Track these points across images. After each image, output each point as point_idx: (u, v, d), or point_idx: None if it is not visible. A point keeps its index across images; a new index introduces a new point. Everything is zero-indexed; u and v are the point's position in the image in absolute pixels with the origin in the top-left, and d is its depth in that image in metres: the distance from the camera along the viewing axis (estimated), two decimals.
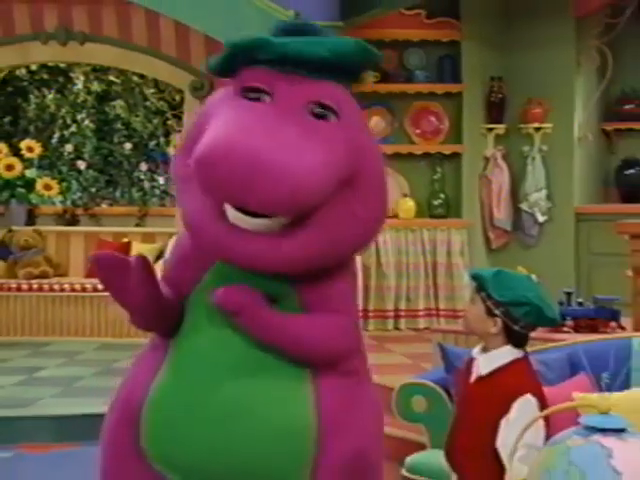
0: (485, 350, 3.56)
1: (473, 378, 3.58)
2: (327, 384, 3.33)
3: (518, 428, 3.29)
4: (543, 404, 3.43)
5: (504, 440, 3.37)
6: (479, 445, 3.44)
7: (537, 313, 3.47)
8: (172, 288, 3.37)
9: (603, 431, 2.79)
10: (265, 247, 3.12)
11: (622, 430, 2.79)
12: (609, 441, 2.76)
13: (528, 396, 3.42)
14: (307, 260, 3.20)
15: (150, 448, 3.34)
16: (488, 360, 3.53)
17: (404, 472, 4.90)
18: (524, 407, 3.40)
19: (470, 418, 3.55)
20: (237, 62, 3.22)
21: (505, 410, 3.40)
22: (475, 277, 3.58)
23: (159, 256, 9.10)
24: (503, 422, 3.39)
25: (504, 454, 3.36)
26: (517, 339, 3.51)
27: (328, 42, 3.22)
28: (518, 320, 3.46)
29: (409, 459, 4.92)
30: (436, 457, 4.46)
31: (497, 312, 3.46)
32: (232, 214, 3.06)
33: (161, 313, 3.40)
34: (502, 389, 3.46)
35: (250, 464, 3.29)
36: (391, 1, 7.71)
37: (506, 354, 3.52)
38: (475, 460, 3.48)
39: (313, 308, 3.32)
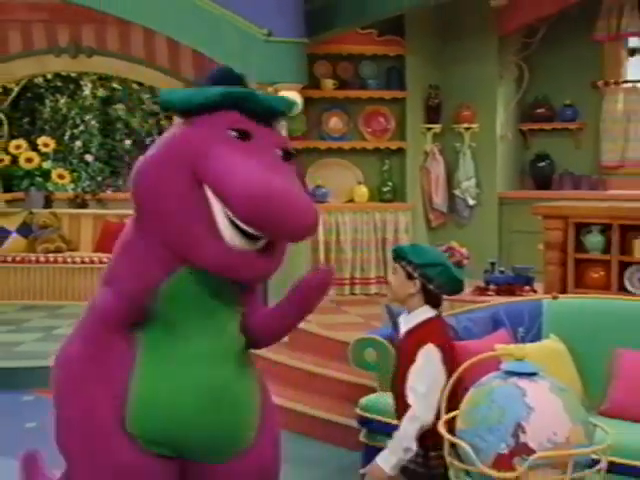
0: (409, 310, 3.61)
1: (400, 335, 3.65)
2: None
3: (420, 372, 3.40)
4: (447, 355, 3.48)
5: (409, 383, 3.44)
6: (404, 389, 3.48)
7: (447, 273, 3.54)
8: (141, 282, 3.18)
9: (519, 375, 2.83)
10: (270, 264, 3.13)
11: (534, 374, 2.83)
12: (524, 383, 2.80)
13: (430, 345, 3.45)
14: (278, 268, 3.23)
15: (142, 432, 3.22)
16: (408, 319, 3.59)
17: (358, 411, 4.94)
18: (426, 355, 3.44)
19: (399, 368, 3.59)
20: (217, 105, 3.11)
21: (414, 357, 3.46)
22: (396, 250, 3.65)
23: None
24: (412, 368, 3.45)
25: (410, 395, 3.42)
26: (433, 299, 3.56)
27: (285, 100, 3.28)
28: (433, 279, 3.51)
29: (362, 400, 4.95)
30: (384, 399, 4.52)
31: (415, 274, 3.51)
32: (234, 237, 2.98)
33: None
34: (414, 342, 3.51)
35: (226, 434, 3.31)
36: (348, 22, 7.70)
37: (423, 313, 3.56)
38: (403, 401, 3.50)
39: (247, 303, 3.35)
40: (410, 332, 3.56)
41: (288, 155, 3.16)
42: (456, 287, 3.61)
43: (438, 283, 3.53)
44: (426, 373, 3.40)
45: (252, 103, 3.13)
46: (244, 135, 3.08)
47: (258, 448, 3.33)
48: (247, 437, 3.33)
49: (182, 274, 3.11)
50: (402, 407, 3.48)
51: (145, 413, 3.20)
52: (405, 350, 3.54)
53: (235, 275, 3.08)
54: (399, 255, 3.57)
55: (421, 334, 3.51)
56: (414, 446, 3.27)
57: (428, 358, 3.43)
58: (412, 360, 3.45)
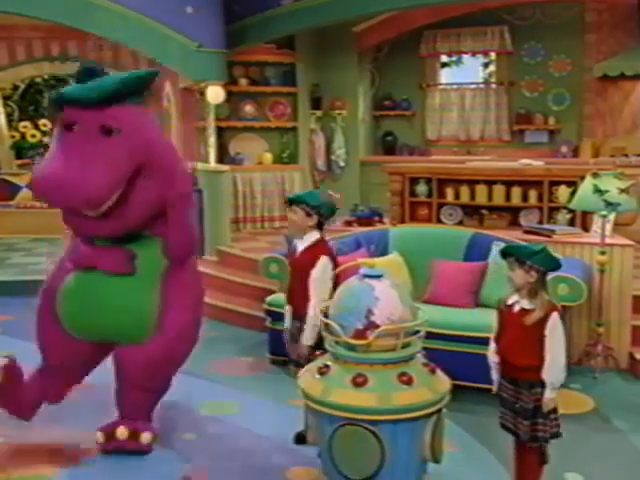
0: (302, 237, 3.59)
1: (297, 254, 3.60)
2: (169, 282, 3.29)
3: (319, 274, 3.42)
4: (333, 263, 3.52)
5: (312, 282, 3.44)
6: (303, 285, 3.46)
7: (329, 208, 3.60)
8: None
9: (370, 277, 2.86)
10: (101, 228, 3.10)
11: (380, 276, 2.86)
12: (373, 282, 2.83)
13: (324, 256, 3.50)
14: (128, 227, 3.14)
15: (60, 314, 3.33)
16: (304, 241, 3.57)
17: (265, 306, 4.95)
18: (322, 263, 3.48)
19: (298, 274, 3.56)
20: (60, 104, 3.02)
21: (314, 264, 3.47)
22: (296, 198, 3.61)
23: None
24: (313, 271, 3.46)
25: (311, 289, 3.42)
26: (320, 225, 3.58)
27: (96, 86, 2.96)
28: (323, 214, 3.55)
29: (268, 298, 4.96)
30: (283, 298, 4.49)
31: (312, 212, 3.51)
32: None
33: None
34: (313, 254, 3.51)
35: (112, 330, 3.30)
36: (255, 39, 7.53)
37: (314, 236, 3.56)
38: (302, 296, 3.48)
39: (164, 234, 3.26)
40: (306, 250, 3.55)
41: (106, 130, 2.96)
42: (334, 214, 3.68)
43: (325, 216, 3.58)
44: (322, 274, 3.42)
45: (66, 100, 2.98)
46: (67, 126, 2.97)
47: (149, 345, 3.26)
48: (134, 335, 3.27)
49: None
50: (302, 302, 3.43)
51: (59, 306, 3.33)
52: (303, 261, 3.51)
53: (86, 234, 3.23)
54: (299, 200, 3.55)
55: (316, 250, 3.52)
56: (318, 322, 3.26)
57: (323, 265, 3.46)
58: (312, 266, 3.45)
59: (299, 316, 3.52)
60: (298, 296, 3.53)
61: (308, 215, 3.51)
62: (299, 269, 3.56)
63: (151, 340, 3.24)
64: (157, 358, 3.27)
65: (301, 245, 3.59)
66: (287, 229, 4.23)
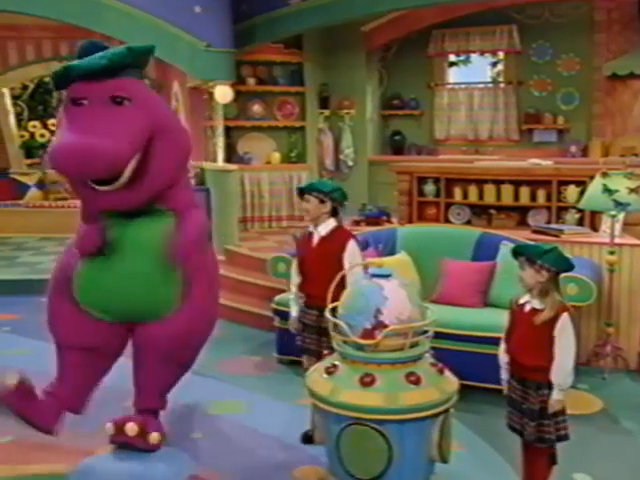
0: (316, 225, 3.59)
1: (315, 242, 3.58)
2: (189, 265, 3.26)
3: (352, 257, 3.48)
4: (359, 244, 3.61)
5: (347, 264, 3.46)
6: (330, 270, 3.32)
7: (341, 192, 3.62)
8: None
9: (379, 276, 2.85)
10: (120, 200, 3.08)
11: (389, 275, 2.86)
12: (382, 281, 2.82)
13: (353, 240, 3.56)
14: (147, 197, 3.13)
15: (79, 298, 3.33)
16: (325, 227, 3.58)
17: (273, 305, 4.94)
18: (353, 245, 3.54)
19: (321, 260, 3.53)
20: (66, 81, 3.01)
21: (344, 248, 3.50)
22: (308, 187, 3.63)
23: None
24: (345, 255, 3.49)
25: (347, 268, 3.41)
26: (335, 212, 3.60)
27: (108, 54, 3.00)
28: (336, 199, 3.57)
29: (276, 298, 4.96)
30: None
31: (326, 199, 3.54)
32: (91, 183, 3.01)
33: None
34: (341, 237, 3.55)
35: (131, 309, 3.31)
36: (263, 39, 7.55)
37: (331, 223, 3.58)
38: (327, 278, 3.23)
39: (177, 207, 3.25)
40: (328, 236, 3.56)
41: (118, 99, 2.97)
42: (346, 198, 3.67)
43: (339, 201, 3.59)
44: (356, 256, 3.49)
45: (76, 73, 2.96)
46: (76, 101, 2.96)
47: (174, 320, 3.28)
48: (157, 311, 3.28)
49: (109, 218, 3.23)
50: (325, 290, 3.22)
51: (77, 290, 3.33)
52: (327, 248, 3.52)
53: (101, 208, 3.17)
54: (312, 189, 3.58)
55: (340, 235, 3.55)
56: None
57: (354, 247, 3.53)
58: (339, 251, 3.48)
59: (320, 305, 3.40)
60: (320, 284, 3.39)
61: (322, 202, 3.53)
62: (320, 256, 3.54)
63: (175, 314, 3.27)
64: (184, 331, 3.31)
65: (318, 233, 3.58)
66: (294, 229, 4.23)
